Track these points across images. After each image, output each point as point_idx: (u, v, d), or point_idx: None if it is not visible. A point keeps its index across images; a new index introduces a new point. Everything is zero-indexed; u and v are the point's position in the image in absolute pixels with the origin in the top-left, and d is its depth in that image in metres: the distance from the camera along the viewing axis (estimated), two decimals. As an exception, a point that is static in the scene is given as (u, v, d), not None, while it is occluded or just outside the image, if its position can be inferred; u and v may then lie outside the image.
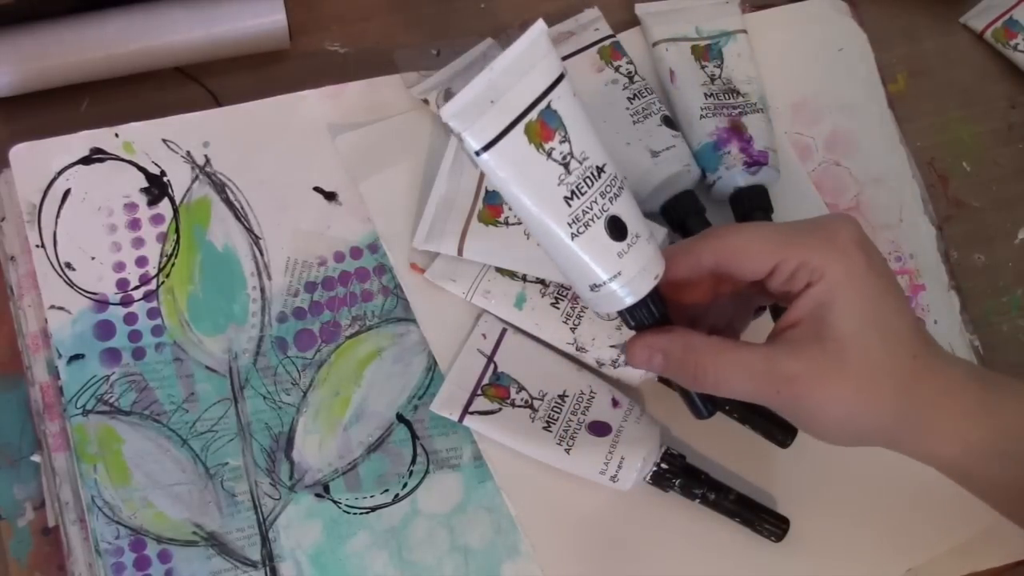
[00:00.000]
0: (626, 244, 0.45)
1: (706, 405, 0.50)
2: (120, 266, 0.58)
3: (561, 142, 0.44)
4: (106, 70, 0.60)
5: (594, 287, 0.46)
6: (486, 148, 0.43)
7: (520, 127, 0.43)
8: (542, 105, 0.43)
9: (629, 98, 0.62)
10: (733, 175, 0.60)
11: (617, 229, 0.45)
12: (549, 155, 0.44)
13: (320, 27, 0.64)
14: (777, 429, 0.58)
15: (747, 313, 0.52)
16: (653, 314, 0.48)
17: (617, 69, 0.63)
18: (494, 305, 0.58)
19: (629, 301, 0.47)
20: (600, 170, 0.45)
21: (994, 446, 0.46)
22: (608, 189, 0.45)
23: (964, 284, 0.64)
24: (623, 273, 0.46)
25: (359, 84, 0.61)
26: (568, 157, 0.44)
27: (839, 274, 0.45)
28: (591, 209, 0.45)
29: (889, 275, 0.46)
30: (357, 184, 0.60)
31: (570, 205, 0.44)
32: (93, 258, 0.58)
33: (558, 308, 0.58)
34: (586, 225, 0.45)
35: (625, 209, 0.46)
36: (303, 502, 0.57)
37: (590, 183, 0.45)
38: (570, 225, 0.45)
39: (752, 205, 0.60)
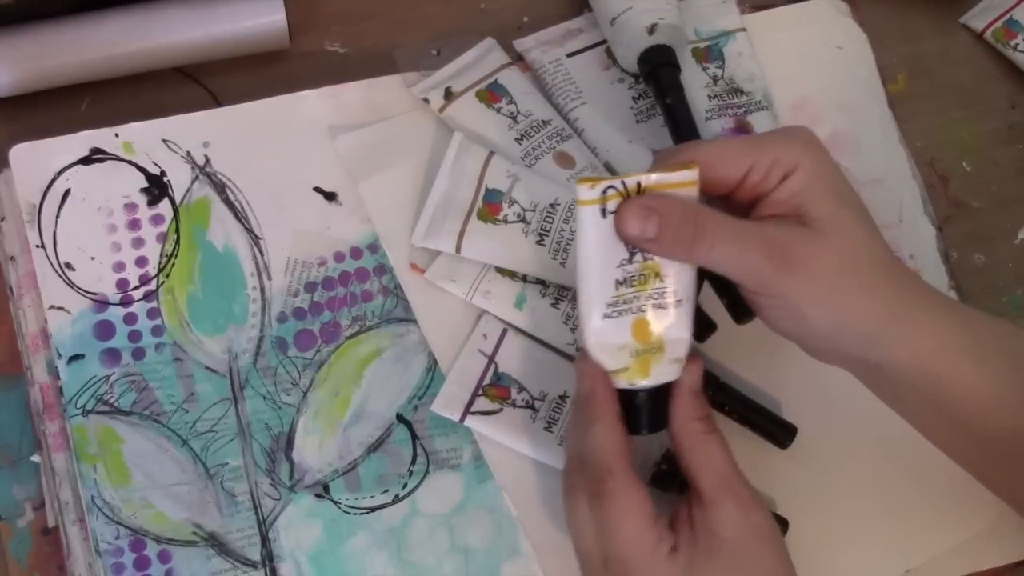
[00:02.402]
0: (575, 172, 0.59)
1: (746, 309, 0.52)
2: (120, 266, 0.58)
3: (508, 104, 0.60)
4: (106, 70, 0.60)
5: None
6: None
7: (472, 92, 0.60)
8: (489, 80, 0.61)
9: (634, 98, 0.63)
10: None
11: (565, 160, 0.58)
12: (498, 111, 0.60)
13: (320, 27, 0.64)
14: (777, 429, 0.58)
15: None
16: None
17: (623, 69, 0.63)
18: (494, 305, 0.58)
19: None
20: (545, 123, 0.60)
21: (973, 347, 0.47)
22: (554, 135, 0.60)
23: (964, 284, 0.64)
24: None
25: (359, 84, 0.61)
26: (515, 113, 0.60)
27: (811, 164, 0.47)
28: (540, 147, 0.60)
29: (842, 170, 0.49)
30: (357, 184, 0.60)
31: (521, 144, 0.59)
32: (93, 258, 0.58)
33: (558, 309, 0.58)
34: (536, 158, 0.59)
35: (573, 148, 0.60)
36: (303, 502, 0.57)
37: (536, 131, 0.60)
38: (523, 158, 0.59)
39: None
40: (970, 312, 0.49)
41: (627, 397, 0.48)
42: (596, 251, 0.46)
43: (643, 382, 0.48)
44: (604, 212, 0.45)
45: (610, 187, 0.45)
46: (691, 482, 0.48)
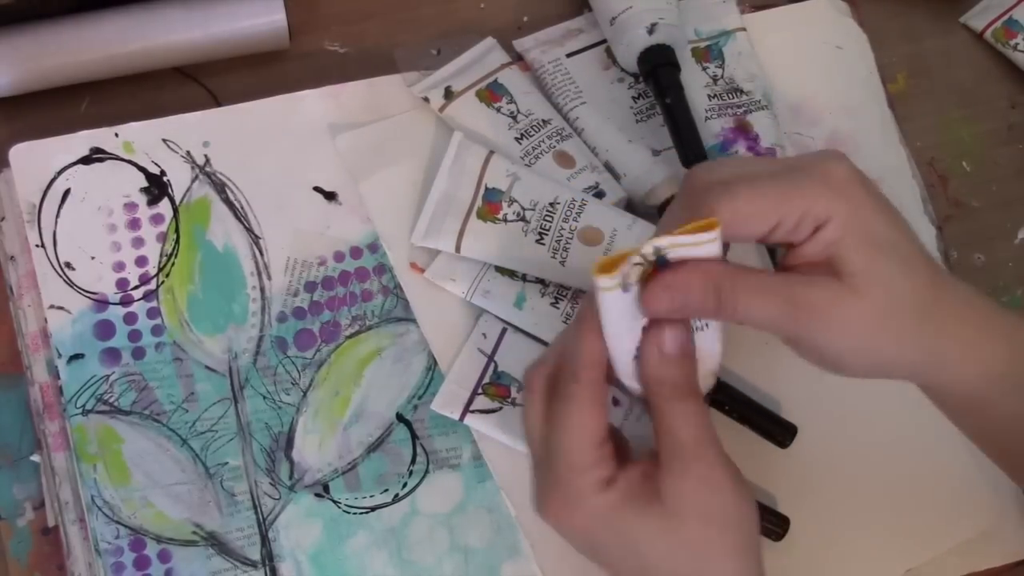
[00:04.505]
0: (574, 171, 0.59)
1: None
2: (120, 266, 0.58)
3: (508, 103, 0.60)
4: (106, 70, 0.60)
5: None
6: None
7: (472, 92, 0.61)
8: (489, 80, 0.61)
9: (634, 97, 0.63)
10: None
11: (565, 159, 0.59)
12: (498, 110, 0.60)
13: (320, 27, 0.64)
14: (777, 429, 0.58)
15: None
16: None
17: (623, 68, 0.63)
18: (494, 305, 0.58)
19: None
20: (545, 122, 0.60)
21: (1013, 374, 0.45)
22: (554, 135, 0.60)
23: (964, 284, 0.64)
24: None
25: (359, 84, 0.61)
26: (515, 112, 0.60)
27: (844, 214, 0.44)
28: (540, 146, 0.59)
29: (890, 205, 0.46)
30: (357, 184, 0.60)
31: (520, 143, 0.59)
32: (93, 258, 0.58)
33: (558, 308, 0.58)
34: (536, 157, 0.59)
35: (573, 148, 0.60)
36: (303, 502, 0.57)
37: (536, 130, 0.59)
38: (523, 158, 0.59)
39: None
40: (1016, 331, 0.46)
41: None
42: (623, 321, 0.45)
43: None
44: (625, 287, 0.43)
45: (628, 266, 0.43)
46: (655, 444, 0.46)
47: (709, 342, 0.47)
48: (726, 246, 0.48)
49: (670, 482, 0.45)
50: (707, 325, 0.47)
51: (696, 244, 0.43)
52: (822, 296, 0.44)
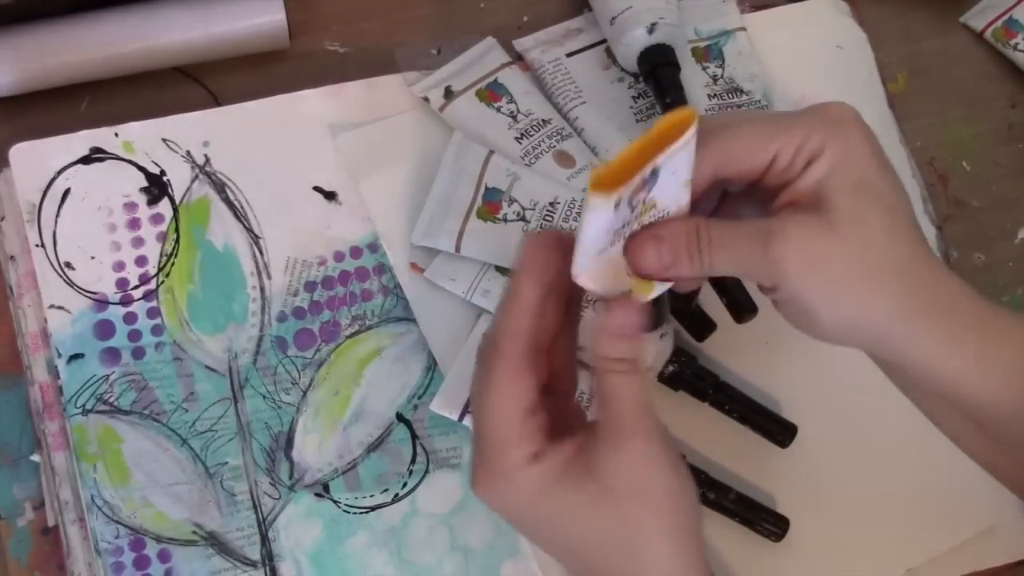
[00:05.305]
0: (574, 171, 0.59)
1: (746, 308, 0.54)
2: (120, 265, 0.58)
3: (508, 103, 0.61)
4: (106, 70, 0.60)
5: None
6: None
7: (472, 91, 0.61)
8: (489, 79, 0.61)
9: (634, 97, 0.63)
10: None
11: (565, 159, 0.59)
12: (498, 110, 0.60)
13: (320, 27, 0.64)
14: (777, 429, 0.58)
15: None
16: None
17: (623, 68, 0.63)
18: (494, 305, 0.58)
19: None
20: (545, 122, 0.60)
21: (985, 355, 0.44)
22: (554, 134, 0.60)
23: (964, 284, 0.64)
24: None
25: (359, 84, 0.61)
26: (515, 112, 0.61)
27: (838, 149, 0.43)
28: (540, 146, 0.59)
29: (885, 156, 0.45)
30: (357, 183, 0.60)
31: (520, 143, 0.59)
32: (93, 258, 0.58)
33: (558, 308, 0.58)
34: (536, 157, 0.59)
35: (573, 148, 0.60)
36: (303, 502, 0.57)
37: (536, 130, 0.60)
38: (523, 157, 0.59)
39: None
40: (996, 315, 0.45)
41: None
42: (606, 225, 0.43)
43: (650, 295, 0.45)
44: (618, 205, 0.42)
45: (629, 190, 0.41)
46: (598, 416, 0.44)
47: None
48: (728, 195, 0.48)
49: (604, 456, 0.43)
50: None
51: (684, 146, 0.42)
52: (796, 229, 0.43)
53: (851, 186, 0.43)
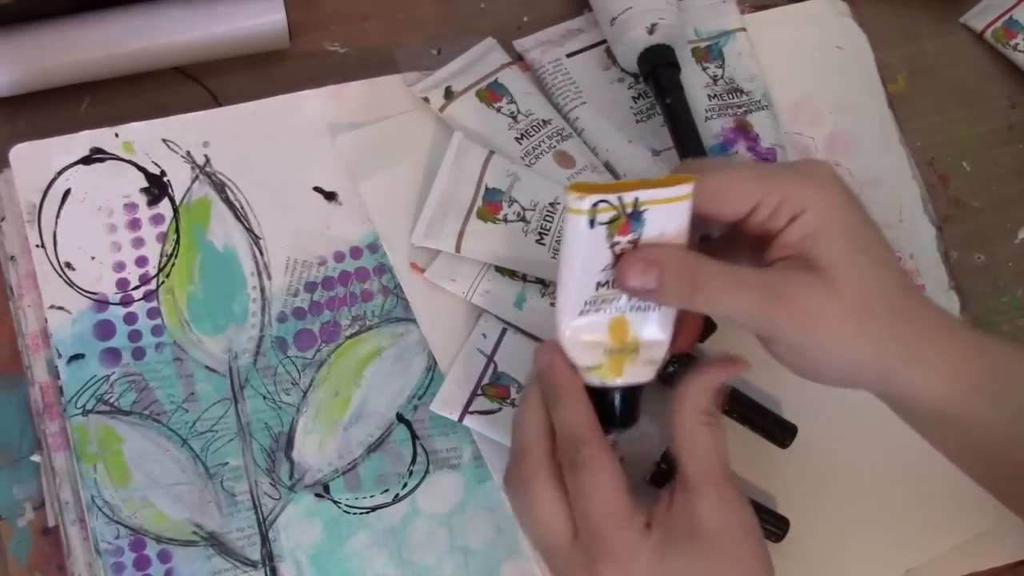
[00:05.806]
0: (574, 171, 0.59)
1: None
2: (120, 266, 0.58)
3: (508, 103, 0.60)
4: (106, 70, 0.60)
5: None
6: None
7: (472, 92, 0.61)
8: (490, 80, 0.61)
9: (634, 97, 0.63)
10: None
11: (565, 160, 0.59)
12: (498, 111, 0.60)
13: (320, 27, 0.64)
14: (777, 429, 0.58)
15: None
16: None
17: (623, 68, 0.63)
18: (494, 305, 0.58)
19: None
20: (545, 122, 0.60)
21: (987, 386, 0.46)
22: (554, 135, 0.60)
23: (964, 284, 0.64)
24: None
25: (359, 84, 0.61)
26: (515, 112, 0.60)
27: (822, 206, 0.45)
28: (540, 146, 0.59)
29: (864, 208, 0.47)
30: (357, 184, 0.60)
31: (521, 143, 0.58)
32: (93, 258, 0.58)
33: (558, 308, 0.58)
34: (536, 157, 0.59)
35: (573, 148, 0.60)
36: (303, 502, 0.57)
37: (536, 130, 0.59)
38: (523, 158, 0.59)
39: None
40: (987, 345, 0.47)
41: (598, 394, 0.48)
42: (581, 257, 0.45)
43: (616, 381, 0.47)
44: (593, 223, 0.44)
45: (601, 201, 0.43)
46: (679, 468, 0.47)
47: (654, 331, 0.47)
48: (712, 237, 0.49)
49: (704, 504, 0.46)
50: (654, 308, 0.47)
51: (671, 200, 0.44)
52: (799, 288, 0.45)
53: (841, 241, 0.45)
